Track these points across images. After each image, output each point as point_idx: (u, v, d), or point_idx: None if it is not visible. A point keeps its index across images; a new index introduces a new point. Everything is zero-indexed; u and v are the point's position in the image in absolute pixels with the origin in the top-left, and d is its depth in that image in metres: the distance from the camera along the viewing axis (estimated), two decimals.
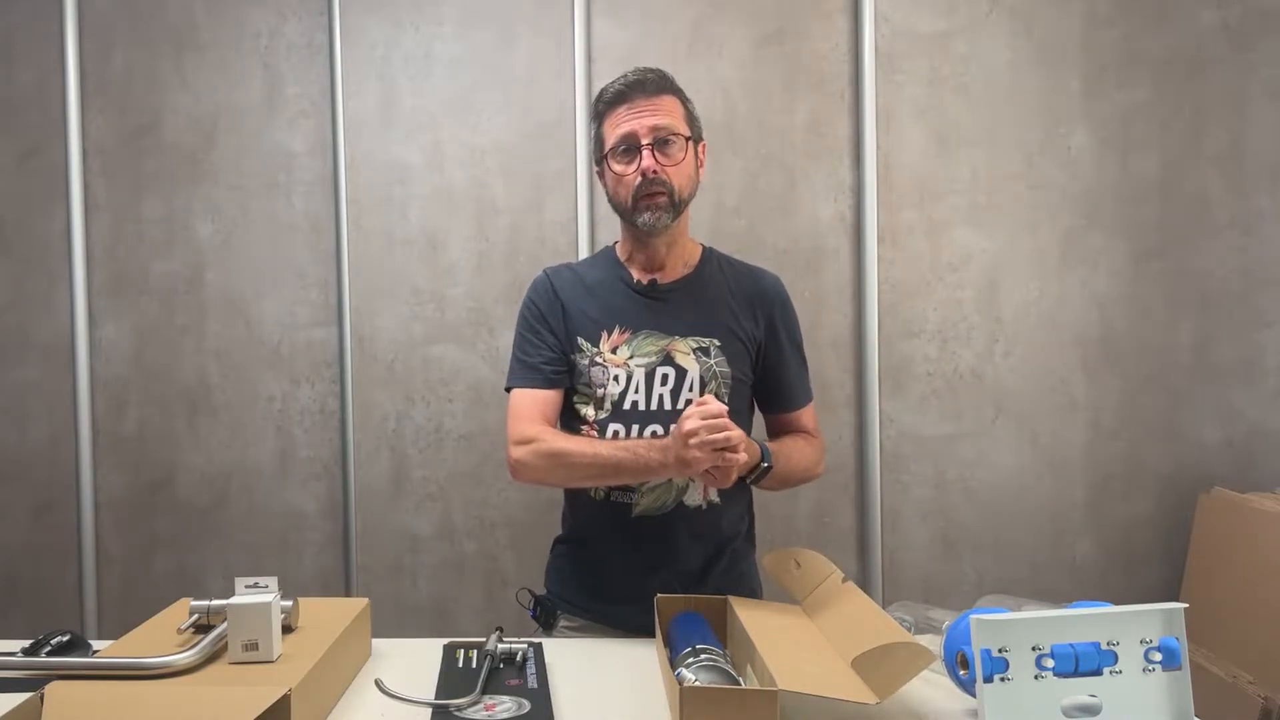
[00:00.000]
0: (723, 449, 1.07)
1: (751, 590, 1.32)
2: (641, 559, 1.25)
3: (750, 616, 1.03)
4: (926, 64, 1.99)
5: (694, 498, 1.24)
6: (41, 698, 0.78)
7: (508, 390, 1.28)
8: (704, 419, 1.07)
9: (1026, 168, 1.98)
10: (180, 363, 2.06)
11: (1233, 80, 1.96)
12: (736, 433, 1.08)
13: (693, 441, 1.07)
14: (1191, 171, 1.97)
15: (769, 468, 1.19)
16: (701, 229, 2.00)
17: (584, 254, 1.97)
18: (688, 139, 1.22)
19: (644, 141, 1.19)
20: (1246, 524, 1.74)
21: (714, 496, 1.25)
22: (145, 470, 2.07)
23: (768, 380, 1.31)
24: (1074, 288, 1.99)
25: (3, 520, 2.08)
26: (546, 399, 1.25)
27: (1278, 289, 1.97)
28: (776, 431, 1.35)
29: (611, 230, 1.99)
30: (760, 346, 1.29)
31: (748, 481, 1.21)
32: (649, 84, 1.21)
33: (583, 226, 2.00)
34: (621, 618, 1.24)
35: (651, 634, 1.10)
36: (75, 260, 2.04)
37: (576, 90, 1.99)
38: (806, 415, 1.35)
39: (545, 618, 1.30)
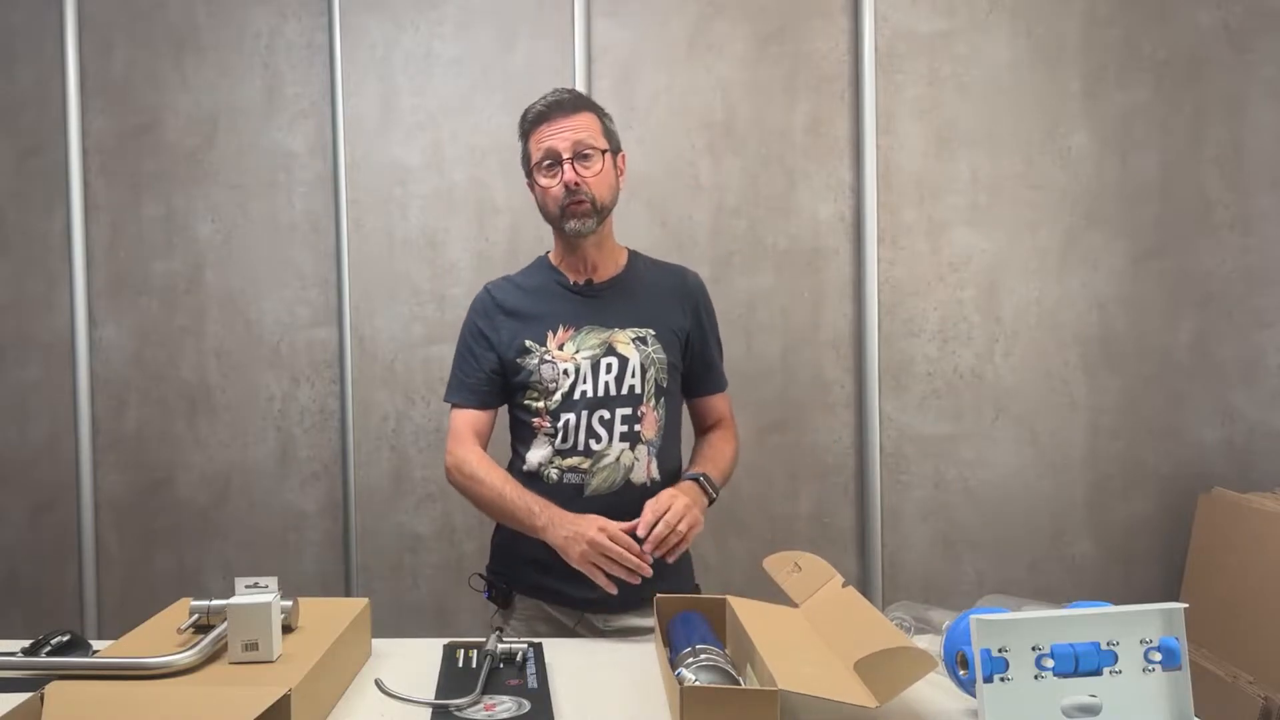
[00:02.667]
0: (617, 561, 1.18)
1: (687, 572, 1.43)
2: None
3: (750, 617, 1.03)
4: (926, 64, 1.99)
5: (639, 475, 1.33)
6: (41, 698, 0.78)
7: (446, 401, 1.41)
8: (650, 524, 1.19)
9: (1026, 168, 1.98)
10: (180, 363, 2.06)
11: (1233, 80, 1.96)
12: (683, 520, 1.20)
13: (585, 547, 1.19)
14: (1191, 171, 1.97)
15: (715, 498, 1.34)
16: (702, 229, 2.00)
17: None
18: (604, 151, 1.33)
19: (565, 156, 1.30)
20: (1246, 524, 1.74)
21: (655, 474, 1.35)
22: (145, 470, 2.07)
23: (695, 367, 1.42)
24: (1074, 288, 1.99)
25: (3, 520, 2.08)
26: (480, 419, 1.38)
27: (1278, 289, 1.97)
28: (699, 415, 1.48)
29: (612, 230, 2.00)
30: (687, 336, 1.40)
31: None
32: (566, 103, 1.33)
33: None
34: (570, 591, 1.30)
35: (605, 610, 1.29)
36: (75, 260, 2.04)
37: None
38: (724, 400, 1.48)
39: (500, 598, 1.39)
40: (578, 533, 1.20)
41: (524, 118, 1.36)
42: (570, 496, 1.30)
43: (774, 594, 1.17)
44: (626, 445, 1.31)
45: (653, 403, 1.34)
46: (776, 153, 2.01)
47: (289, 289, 2.05)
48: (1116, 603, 0.86)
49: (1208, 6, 1.96)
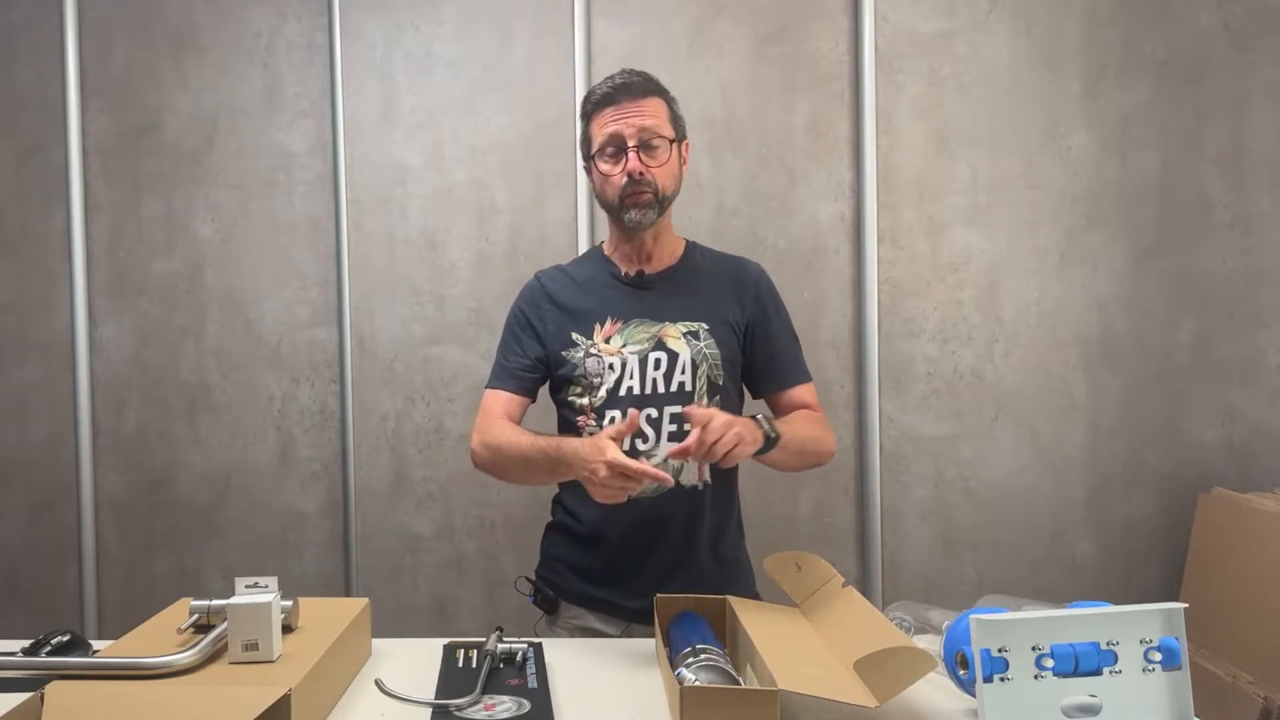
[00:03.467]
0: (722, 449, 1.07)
1: (747, 580, 1.35)
2: (640, 541, 1.28)
3: (750, 617, 1.03)
4: (926, 64, 1.99)
5: (689, 478, 1.27)
6: (41, 698, 0.78)
7: (487, 388, 1.35)
8: (701, 435, 1.08)
9: (1026, 168, 1.98)
10: (180, 363, 2.06)
11: (1233, 80, 1.96)
12: (728, 433, 1.08)
13: (601, 488, 1.09)
14: (1191, 171, 1.97)
15: (775, 439, 1.17)
16: (701, 229, 2.00)
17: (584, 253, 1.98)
18: (671, 140, 1.27)
19: (630, 144, 1.24)
20: (1246, 524, 1.74)
21: (708, 477, 1.28)
22: (145, 470, 2.07)
23: (759, 359, 1.33)
24: (1074, 288, 1.99)
25: (3, 520, 2.08)
26: (514, 402, 1.32)
27: (1278, 289, 1.97)
28: (778, 414, 1.34)
29: None
30: (747, 329, 1.32)
31: (754, 457, 1.19)
32: (635, 87, 1.26)
33: (583, 226, 2.00)
34: (619, 601, 1.27)
35: (651, 620, 1.14)
36: (75, 260, 2.04)
37: (576, 90, 1.99)
38: (805, 393, 1.35)
39: (547, 603, 1.33)
40: (592, 472, 1.10)
41: (588, 98, 1.30)
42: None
43: (774, 594, 1.17)
44: (675, 446, 1.22)
45: (705, 400, 1.27)
46: (776, 153, 2.01)
47: (289, 289, 2.05)
48: (1116, 603, 0.86)
49: (1208, 6, 1.96)
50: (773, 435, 1.17)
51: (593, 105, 1.28)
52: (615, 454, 1.07)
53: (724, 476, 1.31)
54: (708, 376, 1.27)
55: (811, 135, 2.00)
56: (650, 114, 1.25)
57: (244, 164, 2.05)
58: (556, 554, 1.36)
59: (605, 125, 1.25)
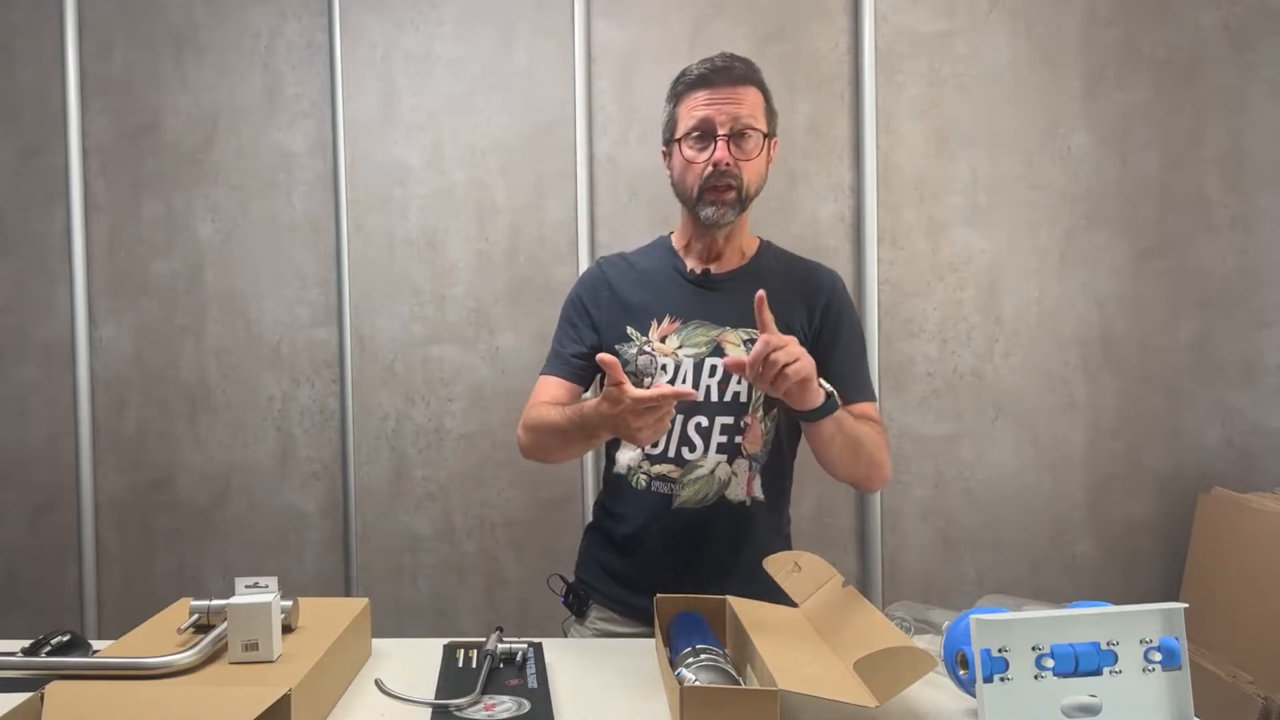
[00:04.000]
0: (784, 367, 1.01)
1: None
2: (679, 552, 1.24)
3: (750, 617, 1.03)
4: (926, 64, 1.99)
5: (736, 492, 1.22)
6: (41, 698, 0.78)
7: (540, 375, 1.31)
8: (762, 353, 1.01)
9: (1026, 168, 1.98)
10: (180, 363, 2.06)
11: (1233, 80, 1.96)
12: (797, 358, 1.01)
13: (634, 422, 1.02)
14: (1191, 171, 1.97)
15: (834, 401, 1.11)
16: None
17: (583, 255, 1.97)
18: (765, 135, 1.20)
19: (720, 131, 1.16)
20: (1246, 524, 1.74)
21: (757, 493, 1.23)
22: (145, 470, 2.07)
23: (822, 374, 1.23)
24: (1074, 288, 1.99)
25: (3, 520, 2.08)
26: (564, 388, 1.27)
27: (1278, 289, 1.97)
28: None
29: (613, 230, 2.00)
30: (814, 339, 1.25)
31: (808, 421, 1.13)
32: (734, 71, 1.18)
33: (583, 226, 2.00)
34: (647, 607, 1.22)
35: None
36: (75, 260, 2.04)
37: (576, 90, 1.99)
38: (867, 411, 1.26)
39: (578, 605, 1.30)
40: (619, 419, 1.03)
41: (680, 78, 1.21)
42: (659, 507, 1.22)
43: (774, 594, 1.17)
44: (724, 458, 1.20)
45: (759, 413, 1.21)
46: (777, 152, 2.00)
47: (289, 289, 2.05)
48: (1116, 603, 0.86)
49: (1208, 6, 1.96)
50: (832, 394, 1.10)
51: (685, 86, 1.20)
52: (631, 393, 1.01)
53: (776, 494, 1.26)
54: None
55: (811, 135, 2.00)
56: (747, 103, 1.18)
57: (244, 164, 2.05)
58: (594, 555, 1.33)
59: (695, 108, 1.18)
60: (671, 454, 1.21)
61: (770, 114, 1.22)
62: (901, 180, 1.99)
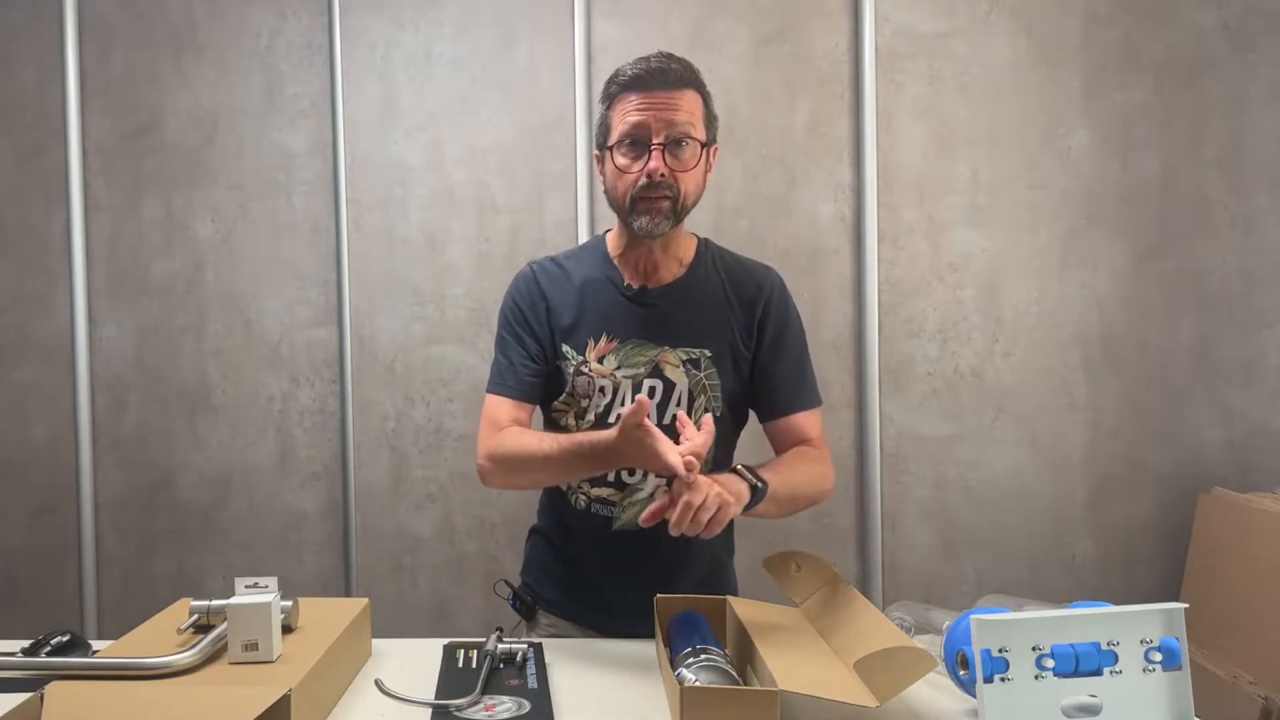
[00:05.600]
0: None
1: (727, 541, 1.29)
2: (621, 573, 1.21)
3: (750, 617, 1.03)
4: (926, 64, 1.99)
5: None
6: (41, 698, 0.78)
7: (488, 392, 1.23)
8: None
9: (1026, 168, 1.98)
10: (180, 363, 2.06)
11: (1233, 80, 1.96)
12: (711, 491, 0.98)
13: (643, 454, 0.99)
14: (1191, 171, 1.97)
15: (762, 491, 1.06)
16: (702, 229, 1.97)
17: None
18: (703, 144, 1.12)
19: (655, 140, 1.08)
20: (1246, 524, 1.74)
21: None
22: (145, 470, 2.07)
23: (759, 382, 1.21)
24: (1074, 288, 1.99)
25: (3, 520, 2.08)
26: (521, 410, 1.20)
27: (1278, 289, 1.97)
28: (776, 439, 1.24)
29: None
30: (754, 350, 1.21)
31: (743, 513, 1.08)
32: (671, 74, 1.09)
33: (583, 226, 2.00)
34: (599, 624, 1.22)
35: (631, 638, 1.11)
36: (75, 260, 2.04)
37: (576, 90, 1.99)
38: (806, 423, 1.21)
39: (525, 609, 1.28)
40: (632, 455, 1.00)
41: (613, 79, 1.12)
42: (598, 530, 1.19)
43: (774, 594, 1.17)
44: (663, 481, 1.12)
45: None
46: (776, 153, 2.01)
47: (289, 289, 2.05)
48: (1117, 603, 0.86)
49: (1208, 6, 1.96)
50: (759, 486, 1.06)
51: (618, 87, 1.11)
52: (650, 429, 0.97)
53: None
54: (706, 408, 1.17)
55: (812, 135, 2.00)
56: (684, 108, 1.09)
57: (244, 164, 2.05)
58: (540, 561, 1.30)
59: (629, 113, 1.09)
60: (610, 478, 1.17)
61: (710, 119, 1.14)
62: (902, 180, 1.99)
